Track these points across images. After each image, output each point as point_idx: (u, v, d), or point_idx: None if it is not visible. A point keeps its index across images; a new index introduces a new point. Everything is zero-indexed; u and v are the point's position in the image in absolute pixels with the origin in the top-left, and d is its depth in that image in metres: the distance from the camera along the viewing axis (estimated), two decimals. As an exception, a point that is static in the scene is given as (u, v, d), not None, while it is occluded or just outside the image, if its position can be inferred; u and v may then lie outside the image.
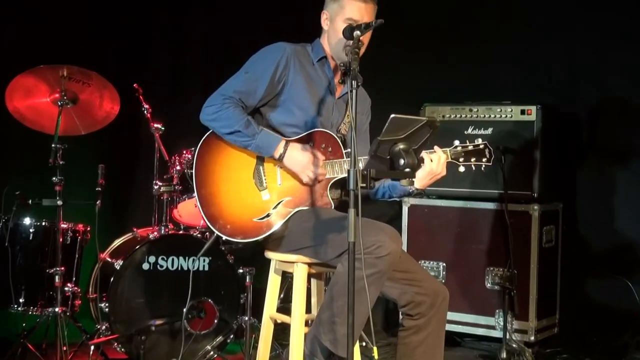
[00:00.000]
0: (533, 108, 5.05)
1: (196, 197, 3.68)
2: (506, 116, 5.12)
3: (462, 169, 3.69)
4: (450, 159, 3.67)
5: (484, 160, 3.70)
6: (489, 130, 5.16)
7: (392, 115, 3.13)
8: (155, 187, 5.01)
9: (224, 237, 3.71)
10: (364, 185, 3.08)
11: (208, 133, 3.74)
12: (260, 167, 3.72)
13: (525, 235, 5.01)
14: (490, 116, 5.16)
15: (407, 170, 3.20)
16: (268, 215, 3.67)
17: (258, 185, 3.70)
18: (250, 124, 3.66)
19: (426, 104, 5.39)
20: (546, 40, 5.55)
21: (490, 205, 5.13)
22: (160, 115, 5.26)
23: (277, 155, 3.66)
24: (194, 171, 3.72)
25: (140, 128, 5.74)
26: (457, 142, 3.69)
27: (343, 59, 3.70)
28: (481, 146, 3.70)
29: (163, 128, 5.16)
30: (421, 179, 3.59)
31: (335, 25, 3.72)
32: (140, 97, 5.21)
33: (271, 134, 3.70)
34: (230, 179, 3.72)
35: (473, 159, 3.69)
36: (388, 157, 3.23)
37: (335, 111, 3.84)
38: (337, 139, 3.74)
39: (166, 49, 6.64)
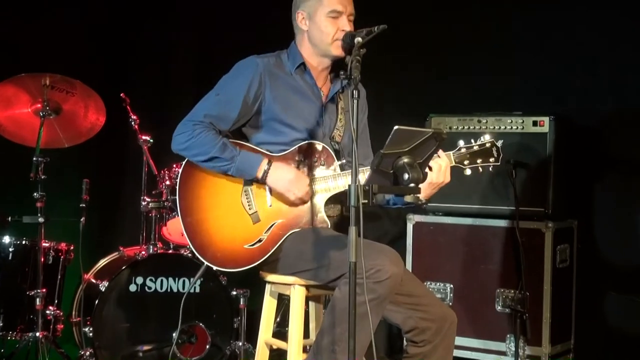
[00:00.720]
0: (546, 119, 5.04)
1: (182, 226, 3.67)
2: (517, 128, 5.11)
3: (468, 172, 3.67)
4: (454, 164, 3.65)
5: (492, 160, 3.67)
6: (499, 143, 5.13)
7: (396, 127, 3.13)
8: (143, 203, 5.01)
9: (215, 268, 3.69)
10: (366, 201, 3.07)
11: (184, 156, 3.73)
12: (248, 189, 3.70)
13: (538, 254, 4.99)
14: (500, 128, 5.15)
15: (412, 185, 3.19)
16: (260, 241, 3.66)
17: (247, 209, 3.68)
18: (227, 147, 3.64)
19: (432, 114, 5.38)
20: (559, 49, 5.55)
21: (500, 223, 5.11)
22: (148, 126, 5.26)
23: (259, 175, 3.64)
24: (177, 198, 3.71)
25: (127, 140, 5.74)
26: (461, 143, 3.67)
27: (333, 54, 3.73)
28: (487, 145, 3.67)
29: (152, 140, 5.16)
30: (424, 189, 3.55)
31: (317, 22, 3.73)
32: (128, 107, 5.21)
33: (251, 154, 3.67)
34: (217, 204, 3.70)
35: (479, 160, 3.66)
36: (391, 171, 3.23)
37: (325, 117, 3.83)
38: (330, 150, 3.72)
39: (155, 57, 6.64)
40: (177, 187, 3.71)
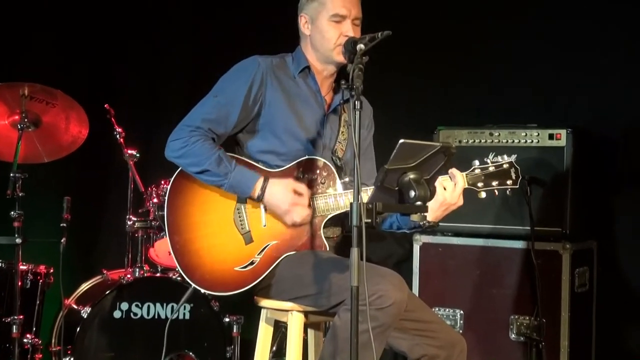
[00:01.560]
0: (563, 132, 5.05)
1: (169, 245, 3.66)
2: (532, 141, 5.11)
3: (483, 195, 3.67)
4: (467, 185, 3.65)
5: (509, 182, 3.66)
6: (513, 158, 5.12)
7: (401, 141, 3.13)
8: (129, 222, 5.01)
9: (203, 291, 3.69)
10: (369, 220, 3.07)
11: (179, 170, 3.73)
12: (242, 207, 3.70)
13: (555, 278, 4.98)
14: (513, 141, 5.16)
15: (419, 203, 3.18)
16: (252, 263, 3.65)
17: (239, 228, 3.68)
18: (222, 161, 3.64)
19: (440, 127, 5.38)
20: (575, 57, 5.57)
21: (514, 244, 5.11)
22: (135, 140, 5.27)
23: (254, 194, 3.64)
24: (165, 215, 3.71)
25: (112, 155, 5.73)
26: (476, 163, 3.67)
27: (335, 60, 3.74)
28: (505, 166, 3.67)
29: (138, 155, 5.17)
30: (434, 211, 3.55)
31: (320, 26, 3.75)
32: (112, 119, 5.21)
33: (247, 171, 3.67)
34: (207, 222, 3.69)
35: (495, 183, 3.66)
36: (396, 188, 3.22)
37: (327, 129, 3.83)
38: (331, 167, 3.72)
39: (142, 65, 6.65)
40: (166, 203, 3.71)
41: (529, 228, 4.97)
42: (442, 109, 5.91)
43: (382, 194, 3.21)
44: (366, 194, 3.57)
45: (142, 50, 6.64)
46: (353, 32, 3.71)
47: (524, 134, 5.14)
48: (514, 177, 3.66)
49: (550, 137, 5.09)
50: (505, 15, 5.76)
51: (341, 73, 3.86)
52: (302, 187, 3.67)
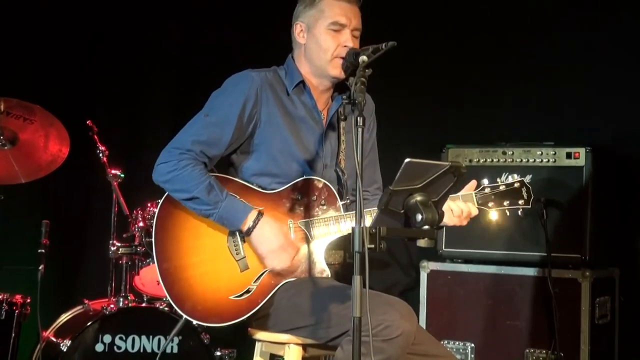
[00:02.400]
0: (581, 150, 5.06)
1: (158, 273, 3.66)
2: (548, 160, 5.12)
3: (493, 215, 3.69)
4: (477, 205, 3.67)
5: (521, 202, 3.70)
6: (527, 178, 5.12)
7: (407, 160, 3.13)
8: (113, 248, 5.00)
9: (195, 322, 3.68)
10: (372, 246, 3.07)
11: (167, 193, 3.73)
12: (236, 232, 3.70)
13: (574, 308, 4.98)
14: (528, 160, 5.17)
15: (426, 227, 3.18)
16: (248, 291, 3.64)
17: (234, 254, 3.68)
18: (213, 189, 3.63)
19: (449, 145, 5.40)
20: (595, 71, 5.58)
21: (529, 271, 5.11)
22: (119, 159, 5.27)
23: (243, 228, 3.63)
24: (153, 241, 3.70)
25: (94, 175, 5.73)
26: (485, 182, 3.69)
27: (330, 74, 3.74)
28: (516, 185, 3.70)
29: (122, 175, 5.17)
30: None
31: (317, 35, 3.75)
32: (95, 137, 5.22)
33: (238, 202, 3.67)
34: (199, 248, 3.69)
35: (506, 202, 3.69)
36: (402, 211, 3.22)
37: (326, 145, 3.84)
38: (332, 188, 3.72)
39: (127, 79, 6.67)
40: (154, 228, 3.71)
41: (545, 254, 4.97)
42: (451, 125, 5.92)
43: (386, 217, 3.20)
44: (370, 216, 3.57)
45: (127, 63, 6.65)
46: (352, 44, 3.72)
47: (539, 152, 5.15)
48: (525, 196, 3.70)
49: (568, 156, 5.10)
50: (521, 28, 5.78)
51: (338, 85, 3.86)
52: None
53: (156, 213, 3.72)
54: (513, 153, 5.22)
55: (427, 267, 5.38)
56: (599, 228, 5.08)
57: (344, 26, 3.72)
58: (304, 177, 3.74)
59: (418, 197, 3.20)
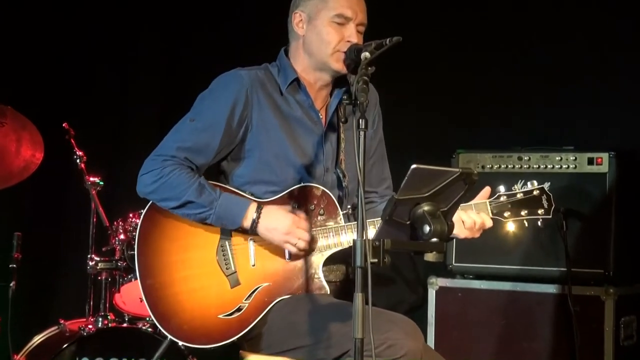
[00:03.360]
0: (604, 155, 5.06)
1: (141, 289, 3.66)
2: (568, 167, 5.13)
3: (510, 226, 3.68)
4: (491, 215, 3.66)
5: (541, 212, 3.70)
6: (545, 186, 5.14)
7: (413, 166, 3.13)
8: (91, 263, 4.99)
9: (181, 343, 3.68)
10: (376, 260, 3.07)
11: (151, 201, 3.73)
12: (226, 243, 3.69)
13: (597, 328, 4.98)
14: (546, 167, 5.17)
15: (434, 240, 3.18)
16: (239, 310, 3.64)
17: (224, 269, 3.67)
18: (205, 189, 3.63)
19: (460, 150, 5.40)
20: (619, 69, 5.59)
21: (547, 288, 5.11)
22: (98, 165, 5.27)
23: (247, 224, 3.62)
24: (136, 255, 3.70)
25: (70, 183, 5.74)
26: (501, 189, 3.69)
27: (332, 67, 3.73)
28: (535, 192, 3.70)
29: (102, 183, 5.16)
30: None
31: (318, 26, 3.73)
32: (72, 140, 5.21)
33: (235, 197, 3.67)
34: (186, 262, 3.69)
35: (524, 212, 3.69)
36: (408, 222, 3.22)
37: (326, 147, 3.83)
38: (331, 196, 3.72)
39: (107, 77, 6.68)
40: (136, 240, 3.71)
41: (564, 269, 4.98)
42: (462, 128, 5.93)
43: (391, 228, 3.20)
44: (374, 227, 3.57)
45: (107, 61, 6.66)
46: (356, 39, 3.71)
47: (558, 158, 5.15)
48: (546, 205, 3.69)
49: (590, 161, 5.10)
50: (536, 28, 5.80)
51: (338, 81, 3.86)
52: (301, 215, 3.67)
53: (139, 224, 3.72)
54: (530, 159, 5.22)
55: (435, 284, 5.38)
56: (624, 241, 5.09)
57: (349, 19, 3.70)
58: (301, 184, 3.73)
59: (426, 207, 3.20)
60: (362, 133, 3.12)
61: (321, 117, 3.84)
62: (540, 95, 5.78)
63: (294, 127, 3.79)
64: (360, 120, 3.13)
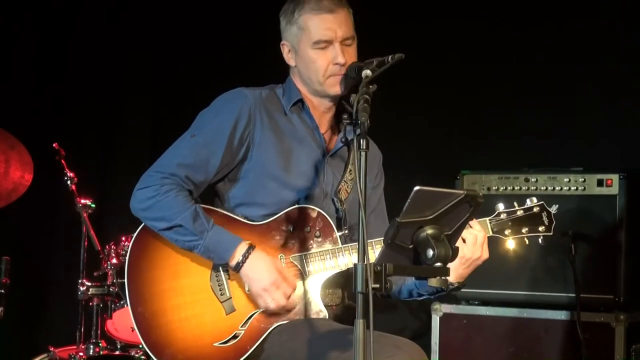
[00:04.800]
0: (614, 177, 5.06)
1: (132, 318, 3.64)
2: (577, 189, 5.13)
3: (510, 244, 3.69)
4: (491, 233, 3.66)
5: (542, 229, 3.70)
6: (553, 209, 5.12)
7: (416, 188, 3.12)
8: (82, 288, 4.99)
9: None
10: (377, 286, 3.06)
11: (142, 225, 3.70)
12: (220, 269, 3.67)
13: (607, 357, 4.97)
14: (554, 188, 5.17)
15: (438, 264, 3.18)
16: (235, 337, 3.63)
17: (218, 295, 3.66)
18: (199, 217, 3.61)
19: (464, 171, 5.40)
20: (629, 88, 5.60)
21: (556, 315, 5.10)
22: (89, 187, 5.26)
23: (232, 262, 3.61)
24: (126, 282, 3.69)
25: (61, 205, 5.74)
26: (501, 207, 3.69)
27: (329, 93, 3.73)
28: (535, 209, 3.71)
29: (93, 205, 5.16)
30: (455, 269, 3.55)
31: (304, 56, 3.73)
32: (63, 161, 5.21)
33: (226, 233, 3.65)
34: (178, 290, 3.67)
35: (525, 230, 3.70)
36: (411, 246, 3.21)
37: (328, 173, 3.82)
38: (327, 217, 3.71)
39: (100, 95, 6.68)
40: (126, 267, 3.69)
41: (573, 295, 4.97)
42: (466, 149, 5.93)
43: (393, 252, 3.19)
44: (373, 249, 3.56)
45: (99, 81, 6.67)
46: (345, 56, 3.68)
47: (567, 179, 5.15)
48: (546, 222, 3.70)
49: (600, 183, 5.10)
50: (547, 46, 5.81)
51: (342, 106, 3.86)
52: (288, 277, 3.64)
53: (128, 251, 3.71)
54: (537, 180, 5.22)
55: (439, 310, 5.37)
56: (635, 265, 5.08)
57: (329, 42, 3.69)
58: (296, 205, 3.73)
59: (429, 231, 3.19)
60: (363, 153, 3.12)
61: (325, 141, 3.84)
62: (548, 115, 5.78)
63: (295, 147, 3.79)
64: (362, 140, 3.13)
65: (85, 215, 5.15)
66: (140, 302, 3.65)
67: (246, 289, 3.67)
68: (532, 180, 5.22)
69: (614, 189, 5.05)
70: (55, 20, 6.44)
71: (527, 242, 3.70)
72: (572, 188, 5.13)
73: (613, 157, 5.53)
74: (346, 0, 3.76)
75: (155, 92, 6.79)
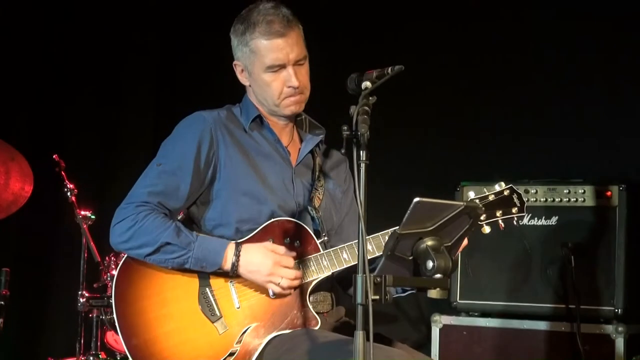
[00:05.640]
0: (614, 189, 5.06)
1: (126, 350, 3.63)
2: (577, 200, 5.13)
3: (487, 229, 3.70)
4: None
5: (514, 210, 3.73)
6: (553, 220, 5.16)
7: (416, 200, 3.13)
8: (82, 300, 4.99)
9: None
10: (377, 297, 3.06)
11: (123, 259, 3.70)
12: (207, 290, 3.67)
13: (607, 368, 4.98)
14: (554, 200, 5.17)
15: (438, 276, 3.18)
16: (232, 354, 3.62)
17: (209, 316, 3.65)
18: (181, 231, 3.62)
19: (464, 183, 5.40)
20: (629, 96, 5.61)
21: (555, 326, 5.10)
22: (89, 199, 5.27)
23: (227, 266, 3.61)
24: (116, 317, 3.66)
25: (61, 217, 5.74)
26: (471, 194, 3.72)
27: (285, 114, 3.77)
28: (506, 192, 3.74)
29: (93, 217, 5.16)
30: None
31: (257, 80, 3.76)
32: (62, 173, 5.22)
33: (212, 239, 3.67)
34: (168, 316, 3.66)
35: (499, 213, 3.72)
36: (411, 257, 3.22)
37: (298, 184, 3.84)
38: (304, 226, 3.72)
39: (99, 106, 6.69)
40: (114, 303, 3.66)
41: (573, 306, 4.97)
42: (466, 160, 5.93)
43: (393, 264, 3.20)
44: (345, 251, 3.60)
45: (99, 92, 6.68)
46: (298, 77, 3.72)
47: (566, 191, 5.15)
48: (518, 204, 3.73)
49: (599, 194, 5.10)
50: (545, 59, 5.81)
51: (300, 115, 3.89)
52: (281, 248, 3.66)
53: (113, 285, 3.69)
54: (536, 192, 5.22)
55: (439, 322, 5.36)
56: (635, 277, 5.08)
57: (282, 66, 3.72)
58: (272, 219, 3.73)
59: (429, 242, 3.20)
60: (363, 165, 3.12)
61: (289, 153, 3.86)
62: (547, 126, 5.78)
63: (261, 163, 3.80)
64: (362, 152, 3.13)
65: (85, 226, 5.15)
66: (133, 334, 3.64)
67: (235, 304, 3.65)
68: (532, 191, 5.22)
69: (614, 201, 5.05)
70: (55, 33, 6.44)
71: (502, 225, 3.72)
72: (572, 199, 5.14)
73: (613, 168, 5.53)
74: (296, 19, 3.77)
75: (156, 105, 6.79)
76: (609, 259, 5.03)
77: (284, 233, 3.71)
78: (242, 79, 3.85)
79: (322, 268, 3.68)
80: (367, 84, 3.39)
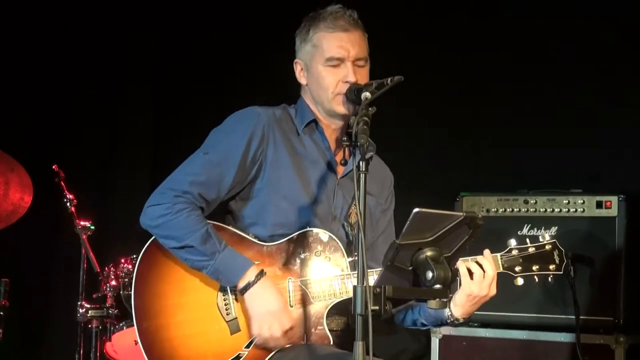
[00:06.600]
0: (614, 199, 5.06)
1: (136, 331, 3.63)
2: (576, 210, 5.13)
3: (520, 281, 3.68)
4: (502, 269, 3.65)
5: (552, 267, 3.69)
6: (553, 230, 5.16)
7: (416, 210, 3.13)
8: (81, 310, 4.98)
9: None
10: (377, 308, 3.05)
11: (152, 238, 3.69)
12: (228, 288, 3.67)
13: (607, 379, 4.97)
14: (553, 210, 5.17)
15: (437, 286, 3.18)
16: (238, 358, 3.61)
17: (224, 314, 3.64)
18: (210, 238, 3.60)
19: (464, 193, 5.40)
20: (629, 106, 5.61)
21: (556, 337, 5.09)
22: (88, 209, 5.26)
23: (240, 284, 3.59)
24: (132, 295, 3.67)
25: (60, 227, 5.74)
26: (512, 243, 3.68)
27: (337, 112, 3.72)
28: (547, 247, 3.70)
29: (93, 227, 5.16)
30: (461, 304, 3.56)
31: (315, 73, 3.74)
32: (62, 183, 5.21)
33: (238, 255, 3.64)
34: (184, 306, 3.66)
35: (535, 267, 3.68)
36: (410, 267, 3.22)
37: (338, 196, 3.81)
38: (338, 242, 3.71)
39: (99, 117, 6.69)
40: (134, 279, 3.65)
41: (573, 317, 4.96)
42: (465, 171, 5.93)
43: (392, 274, 3.19)
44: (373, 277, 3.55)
45: (98, 101, 6.67)
46: (356, 76, 3.67)
47: (566, 201, 5.15)
48: (557, 260, 3.69)
49: (599, 205, 5.09)
50: (546, 68, 5.82)
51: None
52: (294, 316, 3.63)
53: (137, 262, 3.68)
54: (536, 202, 5.21)
55: (439, 332, 5.36)
56: (634, 287, 5.07)
57: (342, 60, 3.69)
58: (307, 228, 3.71)
59: (428, 252, 3.20)
60: (362, 176, 3.12)
61: (336, 163, 3.83)
62: (547, 137, 5.78)
63: (307, 168, 3.78)
64: (361, 162, 3.13)
65: (84, 237, 5.15)
66: (146, 316, 3.64)
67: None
68: (532, 202, 5.22)
69: (613, 211, 5.05)
70: (53, 42, 6.44)
71: (536, 280, 3.70)
72: (572, 210, 5.13)
73: (612, 178, 5.53)
74: (362, 24, 3.77)
75: (156, 114, 6.79)
76: (608, 269, 5.02)
77: (316, 245, 3.70)
78: (300, 77, 3.83)
79: (346, 290, 3.64)
80: (366, 94, 3.39)
